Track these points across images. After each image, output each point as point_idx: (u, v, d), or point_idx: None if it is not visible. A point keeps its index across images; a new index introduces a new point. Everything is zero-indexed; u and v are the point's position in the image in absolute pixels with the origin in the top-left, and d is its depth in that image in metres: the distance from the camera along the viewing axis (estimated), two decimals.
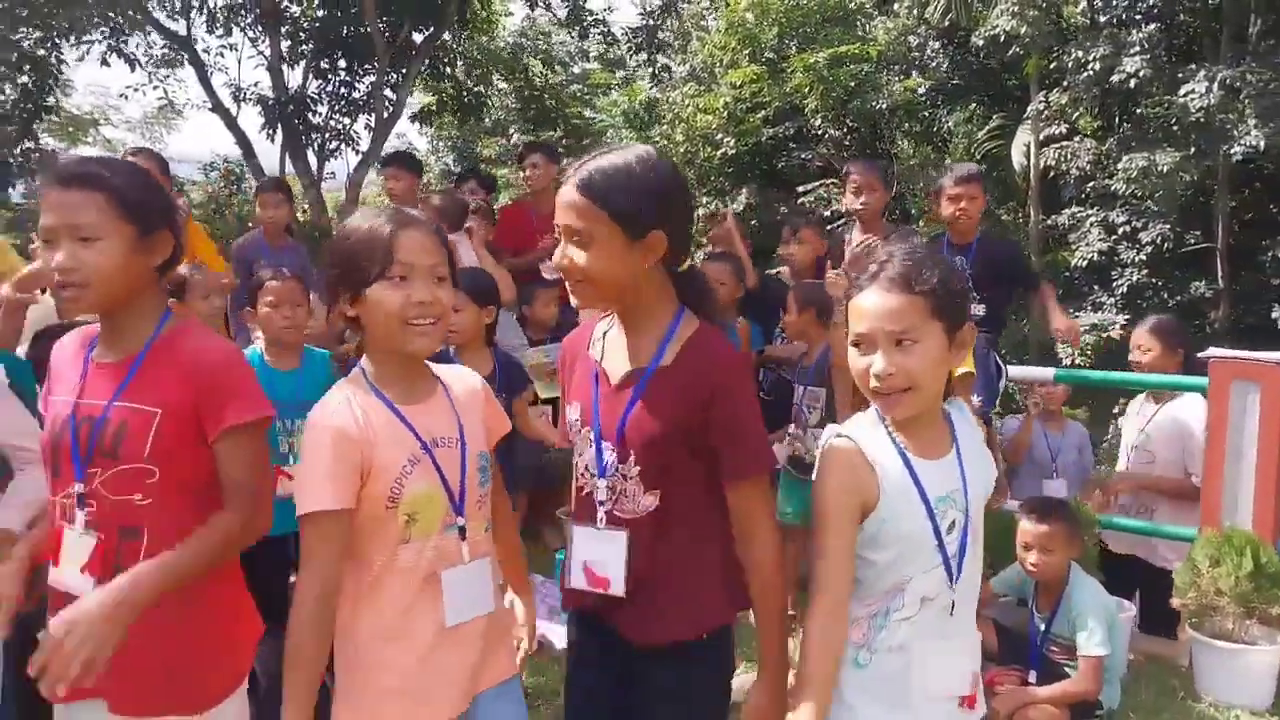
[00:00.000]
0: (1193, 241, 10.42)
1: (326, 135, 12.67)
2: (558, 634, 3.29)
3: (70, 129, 15.75)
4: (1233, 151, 9.21)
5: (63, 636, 1.47)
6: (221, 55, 13.91)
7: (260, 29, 12.08)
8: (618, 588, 1.68)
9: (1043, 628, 3.09)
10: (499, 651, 1.81)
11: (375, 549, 1.65)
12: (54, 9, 10.34)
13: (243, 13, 12.08)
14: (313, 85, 12.52)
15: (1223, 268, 10.28)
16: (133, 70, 12.10)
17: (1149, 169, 9.47)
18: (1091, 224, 10.45)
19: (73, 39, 11.22)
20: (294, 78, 12.47)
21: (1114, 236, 10.30)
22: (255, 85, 12.64)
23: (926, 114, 11.71)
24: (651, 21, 14.84)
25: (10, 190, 11.10)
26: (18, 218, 10.93)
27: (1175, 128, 9.77)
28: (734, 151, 11.79)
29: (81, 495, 1.71)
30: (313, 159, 12.58)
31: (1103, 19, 10.73)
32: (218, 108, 12.15)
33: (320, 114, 12.50)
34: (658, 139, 12.28)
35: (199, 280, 3.46)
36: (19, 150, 10.98)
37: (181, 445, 1.69)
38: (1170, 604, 3.41)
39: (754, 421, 1.67)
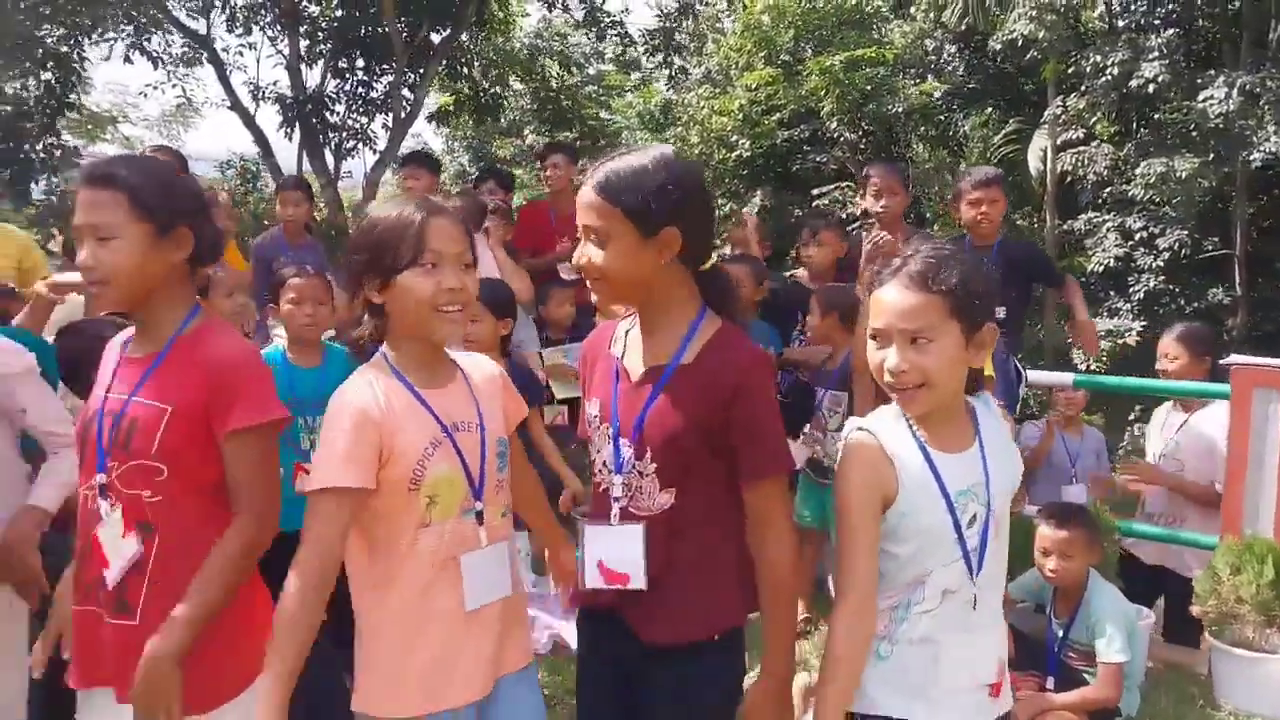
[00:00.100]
0: (1211, 248, 10.33)
1: (344, 134, 12.73)
2: (575, 634, 3.30)
3: (89, 126, 15.85)
4: (1252, 158, 9.13)
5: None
6: (240, 54, 14.12)
7: (279, 28, 12.15)
8: (638, 581, 1.68)
9: (1061, 634, 3.07)
10: (516, 635, 1.83)
11: (396, 532, 1.66)
12: (77, 6, 10.43)
13: (262, 12, 12.16)
14: (331, 85, 12.58)
15: (1241, 274, 10.19)
16: (155, 68, 12.24)
17: (1167, 175, 9.39)
18: (1108, 229, 10.36)
19: (95, 36, 11.30)
20: (312, 77, 12.56)
21: (1131, 242, 10.21)
22: (274, 84, 12.76)
23: (942, 118, 11.64)
24: (668, 23, 14.86)
25: (34, 186, 11.16)
26: (40, 214, 10.98)
27: (1194, 133, 9.69)
28: (749, 154, 11.74)
29: (104, 486, 1.74)
30: (330, 158, 12.66)
31: (1121, 24, 10.66)
32: (236, 106, 12.24)
33: (338, 113, 12.57)
34: (673, 141, 12.25)
35: (221, 278, 3.49)
36: (41, 146, 11.05)
37: (190, 444, 1.70)
38: (1190, 611, 3.40)
39: (774, 422, 1.67)
